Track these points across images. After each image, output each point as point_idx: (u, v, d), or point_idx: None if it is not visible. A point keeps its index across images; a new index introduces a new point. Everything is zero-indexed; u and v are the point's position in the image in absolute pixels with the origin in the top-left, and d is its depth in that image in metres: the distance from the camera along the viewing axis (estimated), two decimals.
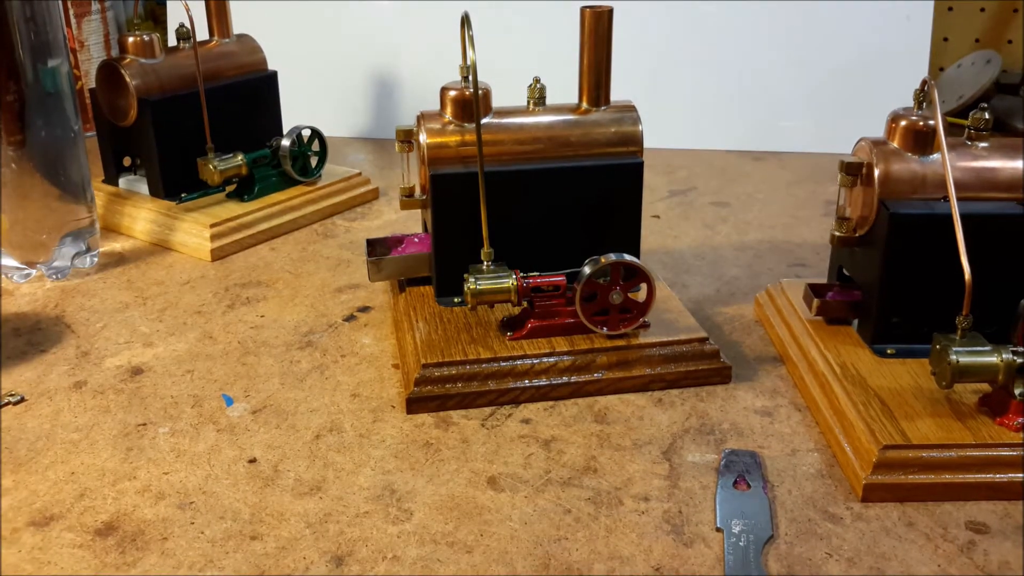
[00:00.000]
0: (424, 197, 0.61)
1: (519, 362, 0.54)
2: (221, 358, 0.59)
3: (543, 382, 0.54)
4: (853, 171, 0.55)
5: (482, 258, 0.56)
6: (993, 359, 0.46)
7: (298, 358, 0.59)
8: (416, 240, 0.64)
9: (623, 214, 0.61)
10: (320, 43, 1.11)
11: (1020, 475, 0.45)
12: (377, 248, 0.64)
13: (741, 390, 0.55)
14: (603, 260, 0.54)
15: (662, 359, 0.55)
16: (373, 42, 1.10)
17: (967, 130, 0.55)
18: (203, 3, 0.86)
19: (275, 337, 0.62)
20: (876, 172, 0.53)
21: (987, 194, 0.53)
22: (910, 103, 0.55)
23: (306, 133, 0.86)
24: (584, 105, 0.61)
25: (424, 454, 0.49)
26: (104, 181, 0.85)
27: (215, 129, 0.79)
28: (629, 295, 0.55)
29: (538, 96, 0.61)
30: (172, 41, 0.86)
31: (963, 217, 0.47)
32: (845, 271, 0.59)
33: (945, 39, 1.21)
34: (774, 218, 0.84)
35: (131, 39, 0.80)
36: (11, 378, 0.57)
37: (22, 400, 0.54)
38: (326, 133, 0.88)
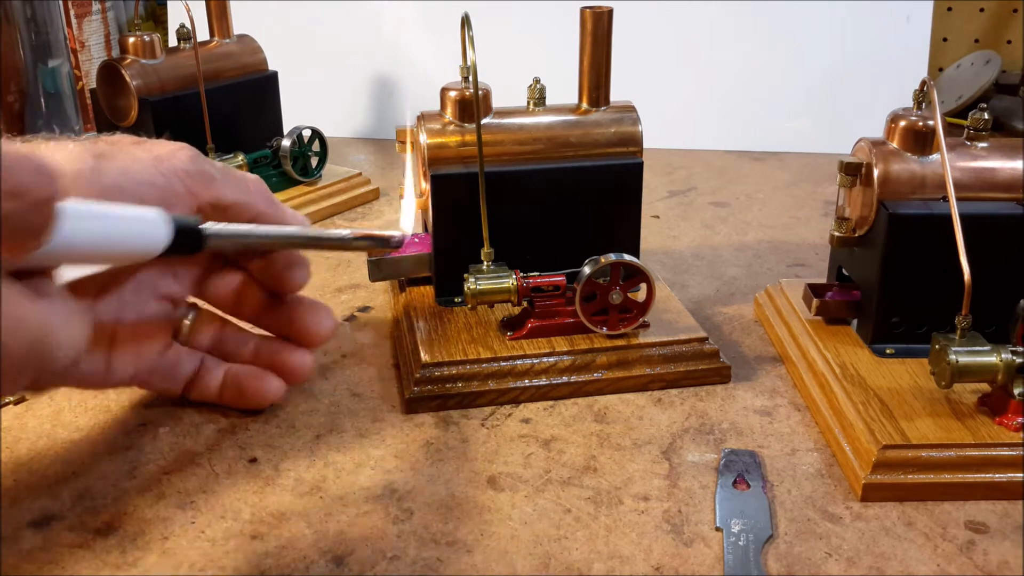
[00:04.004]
0: (424, 197, 0.61)
1: (519, 362, 0.54)
2: None
3: (543, 382, 0.54)
4: (852, 171, 0.55)
5: (482, 258, 0.56)
6: (992, 359, 0.46)
7: None
8: (416, 240, 0.64)
9: (623, 214, 0.61)
10: (320, 43, 1.11)
11: (1019, 475, 0.45)
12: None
13: (740, 390, 0.55)
14: (603, 260, 0.54)
15: (662, 359, 0.55)
16: (373, 42, 1.10)
17: (966, 130, 0.55)
18: (204, 3, 0.86)
19: None
20: (875, 172, 0.53)
21: (986, 194, 0.53)
22: (909, 103, 0.55)
23: (306, 133, 0.86)
24: (584, 105, 0.61)
25: (424, 454, 0.49)
26: None
27: (216, 129, 0.79)
28: (629, 295, 0.55)
29: (538, 96, 0.61)
30: (173, 41, 0.86)
31: (962, 217, 0.47)
32: (844, 271, 0.59)
33: (944, 39, 1.21)
34: (773, 218, 0.84)
35: (132, 39, 0.80)
36: None
37: (23, 400, 0.54)
38: (326, 133, 0.88)
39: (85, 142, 0.43)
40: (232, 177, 0.48)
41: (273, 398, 0.52)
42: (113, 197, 0.41)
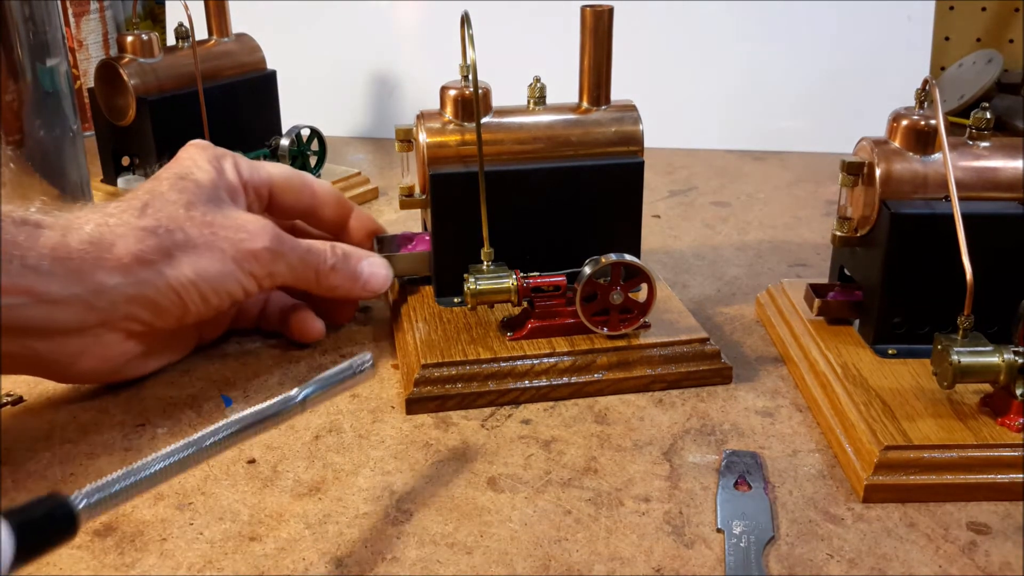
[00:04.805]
0: (424, 197, 0.61)
1: (519, 362, 0.54)
2: (220, 358, 0.59)
3: (543, 382, 0.54)
4: (854, 171, 0.55)
5: (482, 258, 0.56)
6: (995, 359, 0.46)
7: (297, 358, 0.59)
8: (427, 238, 0.64)
9: (624, 214, 0.61)
10: (319, 42, 1.11)
11: (1021, 476, 0.45)
12: (385, 246, 0.63)
13: (742, 391, 0.55)
14: (603, 260, 0.54)
15: (663, 360, 0.55)
16: (373, 42, 1.10)
17: (968, 130, 0.54)
18: (202, 2, 0.86)
19: (274, 336, 0.62)
20: (877, 172, 0.53)
21: (988, 194, 0.53)
22: (911, 103, 0.55)
23: (305, 132, 0.86)
24: (584, 104, 0.61)
25: (424, 455, 0.49)
26: (103, 181, 0.85)
27: (214, 128, 0.79)
28: (630, 295, 0.55)
29: (538, 95, 0.61)
30: (171, 40, 0.86)
31: (964, 217, 0.47)
32: (846, 271, 0.59)
33: (946, 38, 1.21)
34: (775, 218, 0.84)
35: (130, 38, 0.79)
36: (10, 379, 0.56)
37: (21, 400, 0.54)
38: (325, 132, 0.88)
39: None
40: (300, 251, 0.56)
41: (317, 336, 0.60)
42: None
